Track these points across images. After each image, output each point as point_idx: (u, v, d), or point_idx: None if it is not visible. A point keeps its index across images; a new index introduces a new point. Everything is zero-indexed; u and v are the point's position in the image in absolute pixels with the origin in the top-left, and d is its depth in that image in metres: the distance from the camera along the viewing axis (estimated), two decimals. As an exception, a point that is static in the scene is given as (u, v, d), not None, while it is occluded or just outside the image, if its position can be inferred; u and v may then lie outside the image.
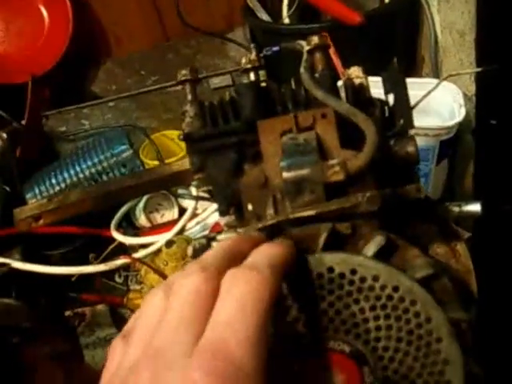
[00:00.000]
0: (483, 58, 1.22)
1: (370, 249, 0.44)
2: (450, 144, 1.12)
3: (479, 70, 1.13)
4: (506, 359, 0.95)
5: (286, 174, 0.47)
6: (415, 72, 1.38)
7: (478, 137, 1.25)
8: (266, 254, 0.40)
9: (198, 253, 0.57)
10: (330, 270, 0.42)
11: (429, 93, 0.82)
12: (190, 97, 0.62)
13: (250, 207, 0.51)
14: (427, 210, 0.56)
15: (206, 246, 0.58)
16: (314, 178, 0.46)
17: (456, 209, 0.56)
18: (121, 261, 1.05)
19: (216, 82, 1.25)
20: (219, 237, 0.60)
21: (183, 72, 0.62)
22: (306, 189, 0.46)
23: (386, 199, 0.47)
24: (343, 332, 0.43)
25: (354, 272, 0.42)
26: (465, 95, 1.17)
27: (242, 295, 0.35)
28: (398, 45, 1.30)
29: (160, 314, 0.37)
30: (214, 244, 0.59)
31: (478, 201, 0.56)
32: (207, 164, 0.59)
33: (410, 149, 0.55)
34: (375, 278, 0.42)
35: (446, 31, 1.21)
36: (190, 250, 0.58)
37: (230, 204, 0.58)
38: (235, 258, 0.40)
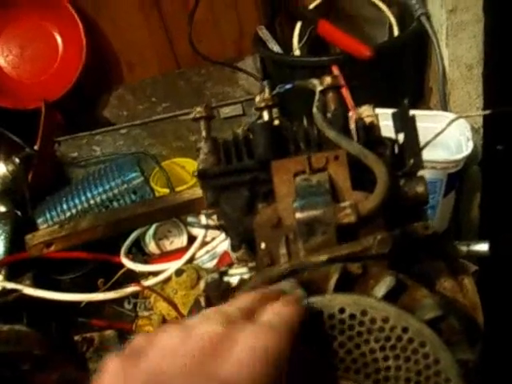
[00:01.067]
0: (490, 91, 1.24)
1: (381, 290, 0.45)
2: (457, 176, 1.13)
3: (487, 112, 1.14)
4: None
5: (298, 215, 0.48)
6: (423, 103, 1.40)
7: (485, 167, 1.26)
8: (283, 314, 0.41)
9: (210, 287, 0.58)
10: (341, 310, 0.43)
11: (442, 131, 0.83)
12: (204, 133, 0.63)
13: (262, 246, 0.52)
14: (436, 247, 0.57)
15: (218, 281, 0.59)
16: (327, 219, 0.47)
17: (464, 248, 0.57)
18: (131, 289, 1.06)
19: (226, 111, 1.27)
20: (231, 271, 0.61)
21: (198, 109, 0.64)
22: (318, 230, 0.48)
23: (395, 240, 0.48)
24: (354, 371, 0.44)
25: (364, 313, 0.43)
26: (472, 127, 1.18)
27: (260, 347, 0.37)
28: (407, 77, 1.32)
29: (176, 347, 0.38)
30: (226, 278, 0.60)
31: (486, 240, 0.57)
32: (221, 200, 0.61)
33: (420, 189, 0.56)
34: (385, 320, 0.43)
35: (453, 64, 1.23)
36: (202, 284, 0.60)
37: (242, 240, 0.59)
38: (253, 313, 0.41)
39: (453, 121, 0.99)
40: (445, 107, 1.27)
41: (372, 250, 0.46)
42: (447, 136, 1.14)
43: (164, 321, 1.08)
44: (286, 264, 0.47)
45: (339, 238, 0.48)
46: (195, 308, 0.72)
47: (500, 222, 1.26)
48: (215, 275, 0.60)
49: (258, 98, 0.63)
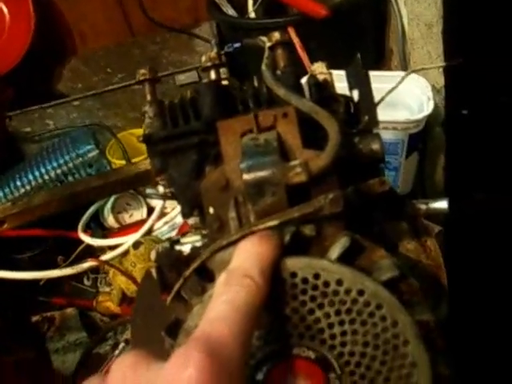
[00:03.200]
0: (451, 50, 1.22)
1: (335, 251, 0.43)
2: (419, 137, 1.12)
3: (445, 64, 1.12)
4: (476, 357, 0.95)
5: (246, 176, 0.45)
6: (384, 65, 1.38)
7: (448, 129, 1.25)
8: (257, 257, 0.40)
9: (161, 256, 0.56)
10: (293, 275, 0.41)
11: (396, 86, 0.81)
12: (149, 97, 0.60)
13: (211, 210, 0.49)
14: (395, 207, 0.55)
15: (169, 250, 0.57)
16: (275, 179, 0.45)
17: (423, 206, 0.56)
18: (88, 264, 1.03)
19: (182, 78, 1.24)
20: (183, 239, 0.59)
21: (142, 71, 0.60)
22: (267, 191, 0.45)
23: (349, 199, 0.46)
24: (308, 338, 0.42)
25: (317, 276, 0.41)
26: (433, 88, 1.16)
27: (234, 299, 0.36)
28: (365, 37, 1.30)
29: None
30: (178, 247, 0.58)
31: (445, 198, 0.55)
32: (168, 165, 0.58)
33: (375, 146, 0.54)
34: (339, 283, 0.41)
35: (413, 23, 1.21)
36: (153, 254, 0.57)
37: (193, 206, 0.57)
38: None
39: (407, 75, 0.96)
40: (405, 67, 1.25)
41: (324, 211, 0.44)
42: (408, 96, 1.12)
43: (124, 295, 1.05)
44: (235, 232, 0.44)
45: (290, 199, 0.45)
46: (147, 279, 0.69)
47: (464, 184, 1.25)
48: (166, 244, 0.57)
49: (203, 58, 0.60)
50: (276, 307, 0.41)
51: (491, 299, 1.05)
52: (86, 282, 1.17)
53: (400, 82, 0.89)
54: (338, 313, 0.41)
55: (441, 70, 1.21)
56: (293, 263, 0.41)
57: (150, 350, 0.36)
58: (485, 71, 1.14)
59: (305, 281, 0.41)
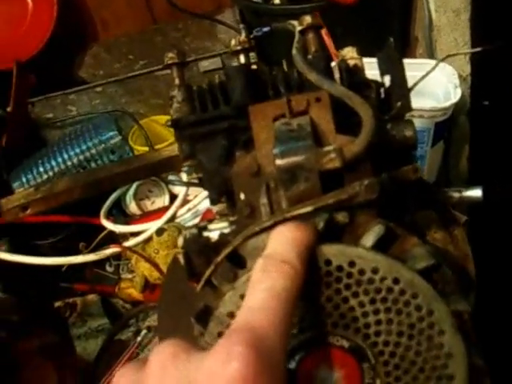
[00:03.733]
0: (478, 38, 1.20)
1: (369, 239, 0.42)
2: (445, 126, 1.10)
3: (476, 50, 1.10)
4: (505, 348, 0.93)
5: (279, 162, 0.45)
6: (409, 52, 1.36)
7: (473, 118, 1.23)
8: (294, 242, 0.39)
9: (188, 243, 0.55)
10: (327, 262, 0.40)
11: (426, 75, 0.80)
12: (177, 81, 0.59)
13: (242, 196, 0.48)
14: (426, 195, 0.54)
15: (197, 236, 0.56)
16: (309, 165, 0.44)
17: (456, 194, 0.54)
18: (111, 250, 1.03)
19: (205, 65, 1.23)
20: (210, 226, 0.58)
21: (170, 55, 0.60)
22: (300, 177, 0.44)
23: (383, 186, 0.45)
24: (342, 327, 0.41)
25: (352, 264, 0.40)
26: (460, 76, 1.14)
27: (274, 286, 0.36)
28: (391, 24, 1.28)
29: None
30: (205, 234, 0.57)
31: (479, 186, 0.54)
32: (197, 151, 0.57)
33: (408, 133, 0.53)
34: (374, 271, 0.40)
35: (440, 10, 1.19)
36: (180, 241, 0.56)
37: (221, 192, 0.56)
38: None
39: (437, 64, 0.95)
40: (431, 55, 1.23)
41: (359, 197, 0.43)
42: (434, 84, 1.10)
43: (146, 282, 1.05)
44: (268, 219, 0.43)
45: (323, 185, 0.44)
46: (173, 266, 0.68)
47: (489, 174, 1.23)
48: (194, 230, 0.56)
49: (233, 42, 0.59)
50: (310, 295, 0.40)
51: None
52: (108, 268, 1.17)
53: (431, 71, 0.87)
54: (372, 301, 0.40)
55: (467, 58, 1.19)
56: (327, 250, 0.40)
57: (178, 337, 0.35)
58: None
59: (339, 268, 0.40)
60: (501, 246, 1.03)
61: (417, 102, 1.03)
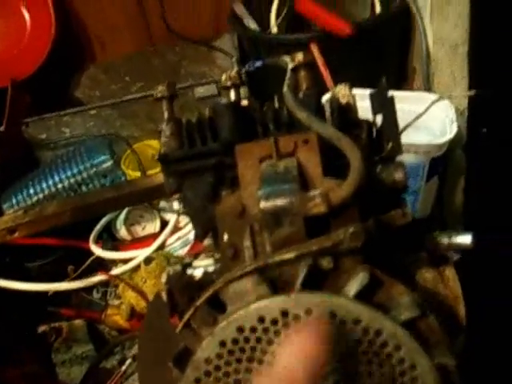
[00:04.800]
0: (475, 71, 1.19)
1: (353, 288, 0.41)
2: (441, 161, 1.09)
3: (474, 93, 1.10)
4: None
5: (263, 204, 0.44)
6: (406, 84, 1.35)
7: (469, 151, 1.22)
8: None
9: (172, 280, 0.54)
10: (308, 311, 0.39)
11: (425, 111, 0.79)
12: (166, 114, 0.58)
13: (225, 237, 0.47)
14: (415, 238, 0.53)
15: (180, 274, 0.55)
16: (294, 209, 0.43)
17: (445, 240, 0.53)
18: (97, 278, 1.01)
19: (201, 91, 1.22)
20: (195, 263, 0.57)
21: (160, 88, 0.59)
22: (285, 221, 0.43)
23: (370, 232, 0.44)
24: (321, 378, 0.40)
25: (333, 315, 0.39)
26: (456, 109, 1.14)
27: None
28: (389, 56, 1.28)
29: None
30: (189, 271, 0.56)
31: (469, 232, 0.53)
32: (183, 187, 0.56)
33: (398, 176, 0.52)
34: (356, 322, 0.39)
35: (438, 43, 1.19)
36: (164, 277, 0.55)
37: (207, 229, 0.55)
38: None
39: (435, 101, 0.94)
40: (428, 88, 1.23)
41: (344, 245, 0.42)
42: (431, 119, 1.10)
43: (133, 311, 1.03)
44: (250, 264, 0.42)
45: (309, 230, 0.43)
46: (156, 301, 0.67)
47: (485, 208, 1.22)
48: (177, 267, 0.55)
49: (223, 77, 0.58)
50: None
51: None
52: (95, 294, 1.15)
53: (429, 107, 0.86)
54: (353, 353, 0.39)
55: (465, 92, 1.19)
56: (308, 299, 0.39)
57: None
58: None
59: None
60: (493, 286, 1.02)
61: (412, 136, 1.03)
